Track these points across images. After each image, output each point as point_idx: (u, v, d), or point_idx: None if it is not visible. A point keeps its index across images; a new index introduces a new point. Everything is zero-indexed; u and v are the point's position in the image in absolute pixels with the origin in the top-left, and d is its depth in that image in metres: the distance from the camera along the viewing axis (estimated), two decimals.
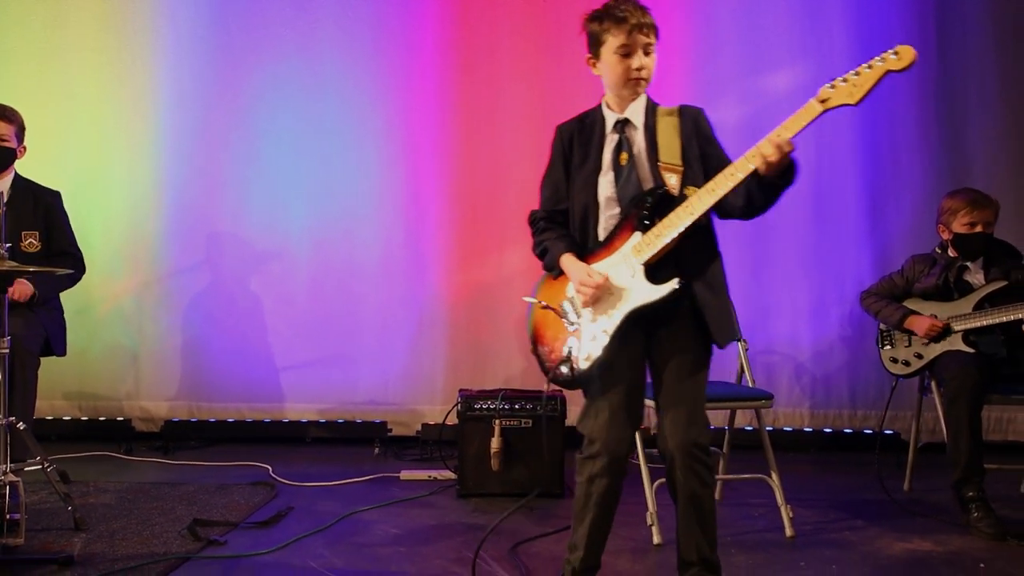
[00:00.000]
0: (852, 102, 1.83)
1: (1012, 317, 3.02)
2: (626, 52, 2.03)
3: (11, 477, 2.54)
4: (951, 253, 3.25)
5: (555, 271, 2.10)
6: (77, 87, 4.42)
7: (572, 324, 2.04)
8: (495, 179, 4.35)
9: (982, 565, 2.50)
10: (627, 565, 2.52)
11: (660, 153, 2.02)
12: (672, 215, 1.96)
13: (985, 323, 3.07)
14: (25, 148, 3.38)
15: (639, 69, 2.03)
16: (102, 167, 4.42)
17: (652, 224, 1.97)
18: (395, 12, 4.39)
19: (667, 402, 2.03)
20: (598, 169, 2.08)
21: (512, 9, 4.37)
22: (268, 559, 2.52)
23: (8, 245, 2.58)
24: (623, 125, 2.09)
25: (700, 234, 2.02)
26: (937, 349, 3.14)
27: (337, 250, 4.37)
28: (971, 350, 3.06)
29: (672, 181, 1.99)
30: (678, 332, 2.02)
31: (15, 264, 2.58)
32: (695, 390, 2.04)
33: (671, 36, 4.32)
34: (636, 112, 2.09)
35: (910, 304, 3.26)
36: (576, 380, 2.02)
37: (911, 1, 4.29)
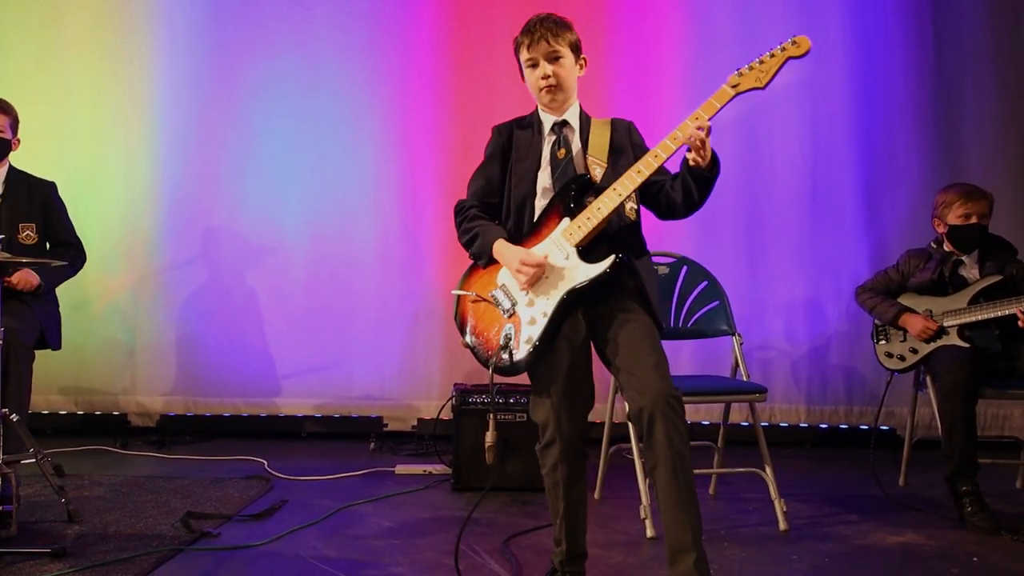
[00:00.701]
0: (760, 86, 1.99)
1: (1007, 312, 3.02)
2: (532, 63, 2.13)
3: (4, 469, 2.54)
4: (946, 247, 3.24)
5: (484, 259, 2.10)
6: (74, 84, 4.43)
7: (507, 311, 2.05)
8: None
9: (975, 559, 2.50)
10: (620, 558, 2.52)
11: (589, 149, 2.12)
12: (600, 198, 2.02)
13: (980, 318, 3.07)
14: (19, 141, 3.37)
15: (545, 77, 2.10)
16: (99, 163, 4.44)
17: (577, 209, 2.04)
18: (391, 10, 4.40)
19: (633, 364, 1.97)
20: (536, 165, 2.14)
21: (508, 7, 4.36)
22: (260, 551, 2.52)
23: (3, 237, 2.58)
24: (561, 126, 2.17)
25: (632, 229, 2.11)
26: (932, 344, 3.14)
27: (333, 246, 4.38)
28: (966, 345, 3.06)
29: (596, 172, 2.08)
30: (626, 304, 2.05)
31: (9, 255, 2.57)
32: (657, 350, 2.00)
33: (667, 33, 4.34)
34: (573, 116, 2.18)
35: (905, 299, 3.26)
36: (516, 365, 2.02)
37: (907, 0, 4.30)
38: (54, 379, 4.31)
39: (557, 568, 2.13)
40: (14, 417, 2.68)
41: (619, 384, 2.06)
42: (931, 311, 3.17)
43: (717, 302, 3.22)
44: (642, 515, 2.74)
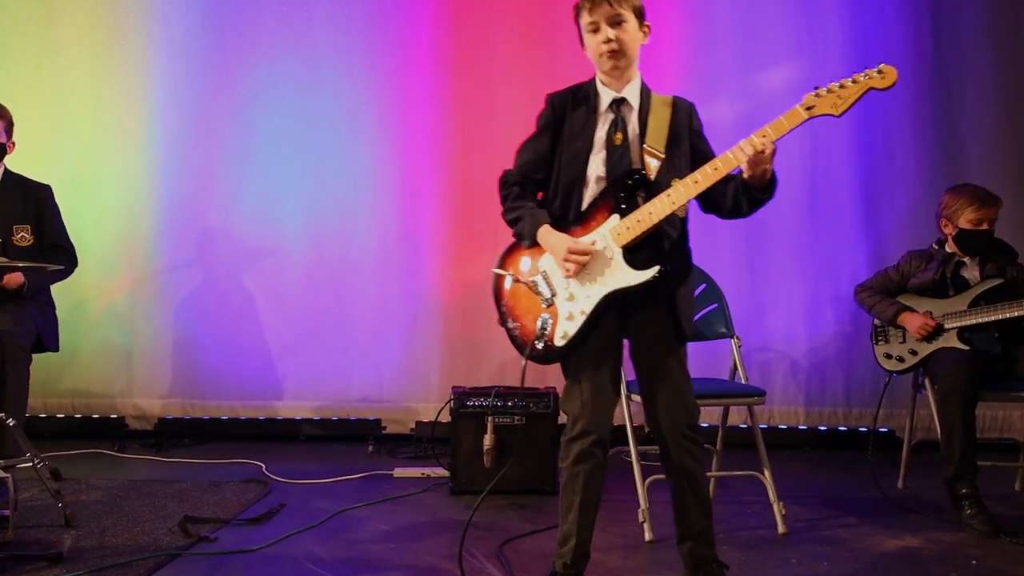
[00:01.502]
0: (836, 113, 1.90)
1: (1007, 315, 3.01)
2: (594, 28, 2.05)
3: (1, 474, 2.53)
4: (948, 248, 3.23)
5: (528, 241, 2.08)
6: (71, 84, 4.42)
7: (545, 300, 2.05)
8: (489, 177, 4.25)
9: (974, 562, 2.49)
10: (618, 561, 2.51)
11: (647, 137, 2.05)
12: (654, 202, 1.99)
13: (980, 320, 3.06)
14: (14, 144, 3.36)
15: (607, 42, 2.02)
16: (95, 164, 4.42)
17: (628, 207, 2.01)
18: (390, 11, 4.39)
19: (654, 385, 2.06)
20: (590, 146, 2.07)
21: (506, 8, 4.36)
22: (257, 555, 2.51)
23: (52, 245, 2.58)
24: (619, 104, 2.08)
25: (680, 232, 2.08)
26: (931, 346, 3.14)
27: (331, 248, 4.36)
28: (965, 347, 3.05)
29: (652, 166, 2.02)
30: (656, 318, 2.06)
31: (5, 260, 2.57)
32: (681, 370, 2.08)
33: (667, 33, 4.33)
34: (632, 93, 2.09)
35: (905, 300, 3.25)
36: (549, 356, 2.05)
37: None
38: (52, 381, 4.29)
39: (559, 571, 2.09)
40: (11, 422, 2.67)
41: (641, 395, 2.12)
42: (931, 312, 3.16)
43: (716, 305, 3.21)
44: (640, 518, 2.73)
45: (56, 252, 3.33)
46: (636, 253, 2.00)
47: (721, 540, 2.66)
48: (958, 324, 3.09)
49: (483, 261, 4.34)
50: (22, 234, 3.25)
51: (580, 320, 2.01)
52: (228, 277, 4.40)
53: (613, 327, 2.06)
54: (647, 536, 2.69)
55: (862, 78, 1.90)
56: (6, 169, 3.36)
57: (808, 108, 1.91)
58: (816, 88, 1.92)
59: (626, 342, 2.13)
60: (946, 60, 4.28)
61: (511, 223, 2.12)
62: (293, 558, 2.49)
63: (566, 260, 2.00)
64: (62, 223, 3.45)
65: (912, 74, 4.26)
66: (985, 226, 3.11)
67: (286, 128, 4.40)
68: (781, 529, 2.76)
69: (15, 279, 3.15)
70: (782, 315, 4.24)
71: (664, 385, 2.05)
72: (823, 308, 4.24)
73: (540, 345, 2.03)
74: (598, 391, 2.03)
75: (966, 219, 3.12)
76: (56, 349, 3.41)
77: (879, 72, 1.89)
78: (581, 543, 2.06)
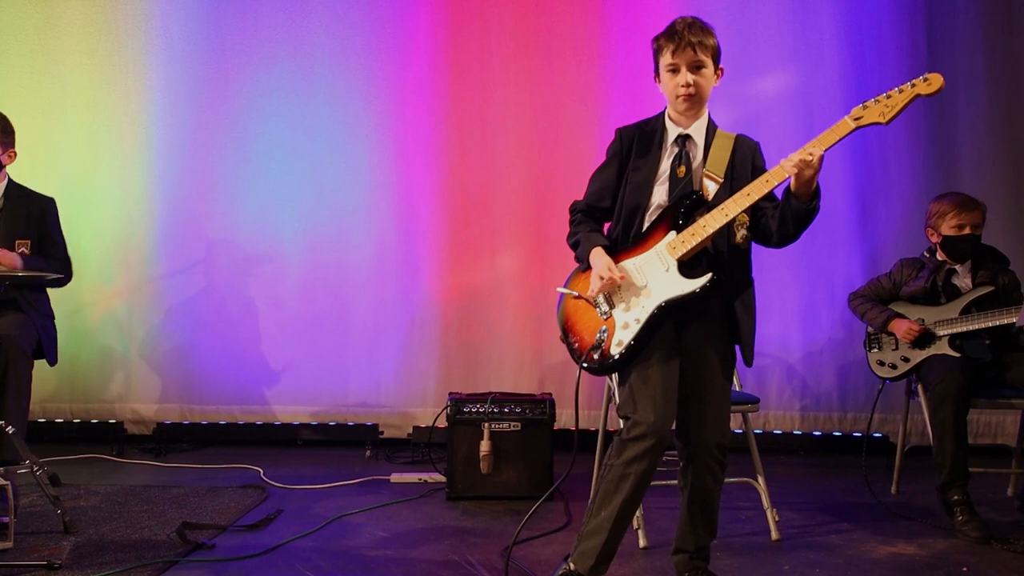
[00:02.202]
0: (883, 121, 2.00)
1: (998, 322, 3.04)
2: (674, 69, 2.14)
3: (0, 481, 2.55)
4: (939, 256, 3.26)
5: (584, 263, 2.18)
6: (69, 91, 4.43)
7: (604, 314, 2.13)
8: (486, 182, 4.37)
9: (965, 569, 2.52)
10: (614, 568, 2.50)
11: (708, 164, 2.13)
12: (707, 216, 2.07)
13: (971, 327, 3.09)
14: (15, 153, 3.37)
15: (685, 86, 2.11)
16: (93, 170, 4.44)
17: (686, 226, 2.08)
18: (387, 16, 4.41)
19: (697, 399, 2.13)
20: (654, 176, 2.16)
21: (503, 14, 4.38)
22: (255, 562, 2.53)
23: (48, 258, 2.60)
24: (684, 140, 2.17)
25: (740, 254, 2.14)
26: (923, 353, 3.16)
27: (328, 253, 4.39)
28: (957, 354, 3.08)
29: (710, 188, 2.11)
30: (712, 333, 2.14)
31: (5, 268, 2.59)
32: (724, 391, 2.16)
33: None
34: (699, 131, 2.18)
35: (898, 308, 3.28)
36: (604, 364, 2.10)
37: (901, 5, 4.32)
38: (50, 387, 4.31)
39: (583, 573, 2.07)
40: (10, 429, 2.69)
41: (684, 407, 2.14)
42: (923, 320, 3.19)
43: None
44: (635, 525, 2.75)
45: (53, 263, 3.30)
46: (692, 266, 2.08)
47: (715, 547, 2.68)
48: (949, 331, 3.12)
49: (480, 267, 4.43)
50: (23, 248, 3.24)
51: (635, 328, 2.06)
52: (226, 283, 4.42)
53: (673, 341, 2.11)
54: (641, 543, 2.71)
55: (908, 87, 1.98)
56: (10, 181, 3.37)
57: (856, 119, 2.00)
58: (863, 101, 2.01)
59: None
60: (940, 66, 4.30)
61: (572, 247, 2.24)
62: (291, 564, 2.51)
63: (596, 279, 2.09)
64: (62, 236, 3.44)
65: (906, 80, 4.27)
66: (968, 231, 3.15)
67: (283, 135, 4.42)
68: (774, 535, 2.79)
69: (11, 260, 3.11)
70: (777, 321, 4.26)
71: (708, 402, 2.12)
72: (818, 314, 4.27)
73: (596, 355, 2.09)
74: (660, 396, 2.05)
75: (948, 226, 3.16)
76: (54, 362, 3.41)
77: (924, 80, 1.97)
78: (611, 542, 2.06)
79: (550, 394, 3.53)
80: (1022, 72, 4.27)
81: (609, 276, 2.07)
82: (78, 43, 4.43)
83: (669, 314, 2.06)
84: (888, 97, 1.98)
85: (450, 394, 3.53)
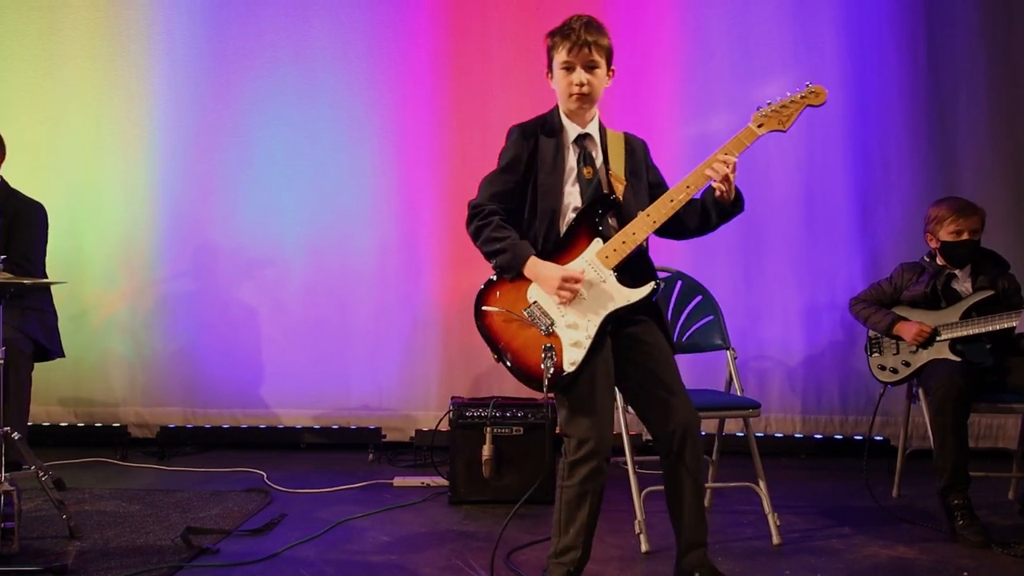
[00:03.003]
0: (782, 129, 2.17)
1: (998, 326, 3.05)
2: (568, 67, 2.16)
3: (6, 487, 2.56)
4: (939, 261, 3.27)
5: (512, 273, 2.12)
6: (72, 95, 4.45)
7: (545, 330, 2.08)
8: None
9: (965, 573, 2.53)
10: (615, 573, 2.55)
11: (610, 166, 2.19)
12: (634, 223, 2.11)
13: (972, 332, 3.10)
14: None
15: (579, 85, 2.13)
16: (97, 174, 4.46)
17: (604, 230, 2.11)
18: (388, 20, 4.42)
19: (667, 389, 2.14)
20: (562, 179, 2.17)
21: (503, 17, 4.40)
22: (259, 567, 2.55)
23: (4, 257, 2.61)
24: (583, 139, 2.21)
25: (646, 251, 2.22)
26: (924, 357, 3.18)
27: (330, 256, 4.40)
28: (957, 359, 3.09)
29: (619, 190, 2.16)
30: (651, 329, 2.19)
31: (9, 276, 2.60)
32: (678, 374, 2.19)
33: (664, 44, 4.37)
34: (594, 129, 2.23)
35: (898, 312, 3.29)
36: (557, 384, 2.07)
37: (902, 9, 4.32)
38: (54, 390, 4.33)
39: None
40: (15, 435, 2.70)
41: (640, 403, 2.20)
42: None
43: (711, 317, 3.25)
44: (636, 530, 2.76)
45: (13, 267, 3.10)
46: (622, 273, 2.10)
47: (716, 551, 2.71)
48: (950, 336, 3.13)
49: (482, 270, 4.37)
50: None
51: (587, 345, 2.06)
52: (229, 287, 4.43)
53: (609, 351, 2.13)
54: (643, 547, 2.72)
55: (798, 98, 2.17)
56: (3, 181, 3.36)
57: (759, 125, 2.16)
58: (759, 107, 2.16)
59: None
60: (941, 70, 4.32)
61: (491, 254, 2.14)
62: (295, 570, 2.52)
63: (560, 289, 2.05)
64: (32, 240, 3.33)
65: (907, 84, 4.30)
66: (966, 236, 3.15)
67: (285, 138, 4.43)
68: (776, 540, 2.80)
69: None
70: (778, 324, 4.28)
71: (674, 392, 2.15)
72: (819, 317, 4.28)
73: (550, 375, 2.05)
74: (601, 412, 2.08)
75: (946, 231, 3.17)
76: (61, 354, 3.43)
77: (811, 92, 2.17)
78: (585, 552, 2.14)
79: (552, 398, 3.53)
80: (1022, 75, 4.28)
81: (575, 281, 2.05)
82: (81, 48, 4.45)
83: (610, 324, 2.08)
84: (783, 107, 2.15)
85: (452, 398, 3.55)
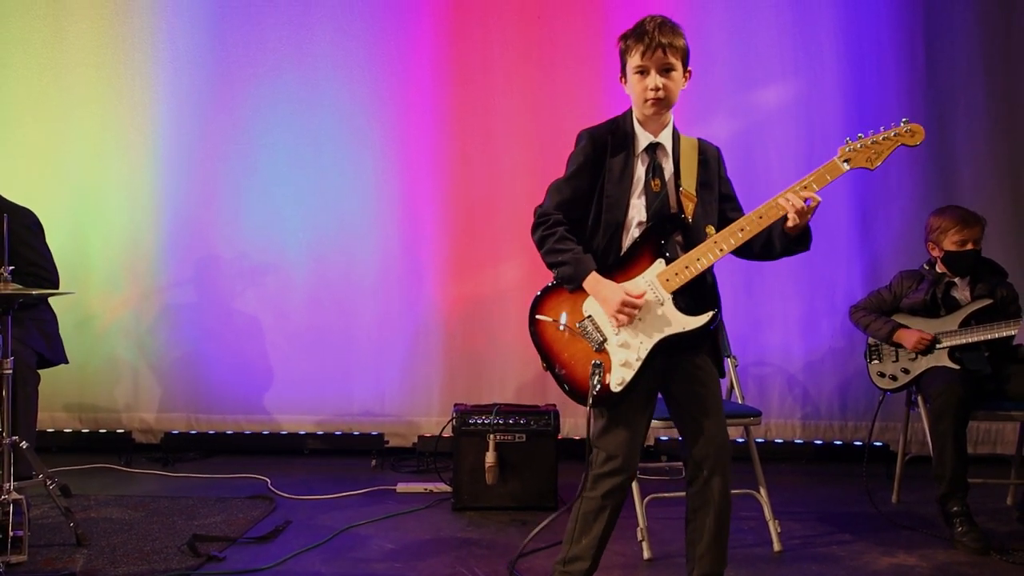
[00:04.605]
0: (871, 167, 2.05)
1: (997, 335, 3.08)
2: (642, 71, 2.08)
3: (15, 495, 2.59)
4: (939, 269, 3.30)
5: (573, 286, 2.08)
6: (76, 102, 4.47)
7: (596, 346, 2.06)
8: (490, 192, 4.40)
9: None
10: None
11: (681, 181, 2.10)
12: (700, 248, 2.04)
13: (971, 340, 3.13)
14: None
15: (654, 90, 2.06)
16: (101, 181, 4.48)
17: (670, 252, 2.05)
18: (390, 28, 4.45)
19: (705, 414, 2.11)
20: (629, 190, 2.10)
21: (505, 24, 4.42)
22: (265, 575, 2.57)
23: (12, 268, 2.63)
24: (654, 149, 2.13)
25: (712, 271, 2.14)
26: (923, 364, 3.20)
27: (333, 263, 4.42)
28: (956, 367, 3.12)
29: (688, 207, 2.08)
30: (700, 357, 2.13)
31: (18, 287, 2.63)
32: (721, 403, 2.16)
33: None
34: (667, 138, 2.14)
35: (897, 320, 3.32)
36: (604, 401, 2.05)
37: (901, 18, 4.35)
38: (58, 396, 4.34)
39: None
40: (24, 444, 2.73)
41: (679, 424, 2.17)
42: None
43: None
44: (639, 537, 2.79)
45: (24, 277, 3.09)
46: (680, 297, 2.04)
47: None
48: (949, 343, 3.16)
49: (484, 277, 4.47)
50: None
51: (637, 367, 2.02)
52: (232, 293, 4.46)
53: (656, 374, 2.09)
54: (646, 554, 2.75)
55: (892, 135, 2.04)
56: None
57: (846, 160, 2.04)
58: (848, 139, 2.05)
59: None
60: (939, 78, 4.34)
61: (554, 265, 2.11)
62: None
63: (619, 312, 2.01)
64: (36, 247, 3.32)
65: (906, 92, 4.33)
66: (970, 246, 3.18)
67: (288, 145, 4.46)
68: (776, 547, 2.83)
69: None
70: (779, 330, 4.30)
71: (712, 418, 2.11)
72: (819, 323, 4.31)
73: (595, 392, 2.02)
74: (638, 432, 2.09)
75: (950, 241, 3.19)
76: (65, 360, 3.45)
77: (909, 131, 2.04)
78: (594, 564, 2.15)
79: (554, 405, 3.56)
80: (1020, 83, 4.31)
81: (635, 306, 2.00)
82: (85, 55, 4.47)
83: (663, 348, 2.04)
84: (874, 143, 2.03)
85: (455, 405, 3.57)
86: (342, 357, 4.39)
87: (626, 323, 2.03)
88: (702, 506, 2.11)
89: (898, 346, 3.28)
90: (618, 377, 2.03)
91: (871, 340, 3.40)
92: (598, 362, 2.04)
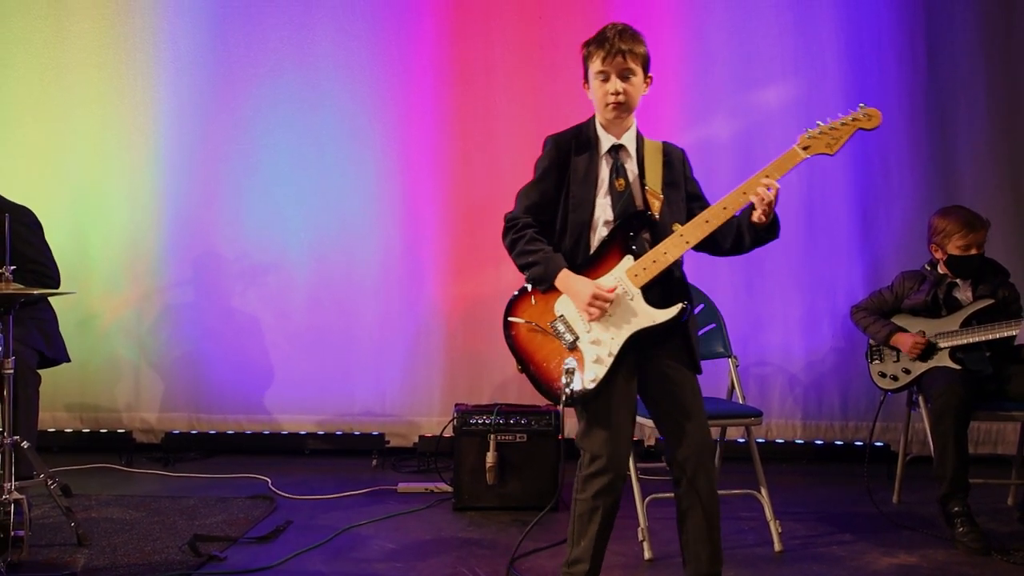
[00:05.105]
0: (830, 153, 2.08)
1: (998, 335, 3.08)
2: (604, 77, 2.14)
3: (15, 495, 2.59)
4: (941, 270, 3.30)
5: (545, 285, 2.12)
6: (78, 102, 4.47)
7: (569, 344, 2.08)
8: (490, 193, 4.39)
9: None
10: None
11: (646, 180, 2.15)
12: (667, 242, 2.08)
13: (972, 340, 3.13)
14: None
15: (615, 94, 2.11)
16: (102, 181, 4.48)
17: (637, 248, 2.08)
18: (391, 28, 4.45)
19: (683, 413, 2.13)
20: (595, 191, 2.15)
21: (506, 25, 4.42)
22: (266, 575, 2.57)
23: (14, 268, 2.63)
24: (617, 150, 2.18)
25: (681, 269, 2.19)
26: (924, 365, 3.20)
27: (334, 263, 4.43)
28: (957, 367, 3.12)
29: (654, 205, 2.12)
30: (676, 351, 2.15)
31: (20, 287, 2.63)
32: (700, 400, 2.18)
33: (666, 52, 4.39)
34: (630, 140, 2.20)
35: (899, 320, 3.32)
36: (578, 399, 2.07)
37: (901, 17, 4.35)
38: (59, 396, 4.34)
39: None
40: (25, 444, 2.73)
41: (658, 425, 2.20)
42: (924, 333, 3.22)
43: (713, 325, 3.28)
44: (640, 537, 2.79)
45: (25, 275, 3.08)
46: (650, 291, 2.08)
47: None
48: (950, 344, 3.16)
49: (485, 277, 4.47)
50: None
51: (609, 362, 2.05)
52: (233, 293, 4.46)
53: (632, 369, 2.12)
54: (647, 554, 2.75)
55: (850, 120, 2.07)
56: None
57: (805, 148, 2.07)
58: (808, 129, 2.08)
59: None
60: (941, 78, 4.34)
61: (525, 267, 2.15)
62: None
63: (590, 305, 2.04)
64: (36, 245, 3.30)
65: (907, 92, 4.33)
66: (974, 251, 3.17)
67: (289, 145, 4.46)
68: (777, 547, 2.83)
69: None
70: (780, 330, 4.30)
71: (691, 417, 2.13)
72: (820, 323, 4.30)
73: (568, 390, 2.04)
74: (620, 430, 2.10)
75: (954, 245, 3.18)
76: (67, 358, 3.45)
77: (865, 115, 2.07)
78: (595, 564, 2.15)
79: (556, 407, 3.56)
80: (1020, 82, 4.30)
81: (606, 300, 2.03)
82: (86, 55, 4.47)
83: (634, 343, 2.07)
84: (832, 129, 2.06)
85: (456, 405, 3.58)
86: (343, 357, 4.39)
87: (597, 317, 2.05)
88: (691, 506, 2.14)
89: (895, 349, 3.28)
90: (591, 374, 2.06)
91: (872, 341, 3.39)
92: (571, 360, 2.06)
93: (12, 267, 2.62)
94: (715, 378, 3.86)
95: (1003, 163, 4.28)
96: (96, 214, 4.46)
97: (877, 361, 3.36)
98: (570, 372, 2.04)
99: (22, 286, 2.66)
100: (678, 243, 2.06)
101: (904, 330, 3.25)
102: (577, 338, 2.08)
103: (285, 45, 4.47)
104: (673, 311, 2.05)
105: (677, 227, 2.09)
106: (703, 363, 3.36)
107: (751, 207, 2.06)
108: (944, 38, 4.33)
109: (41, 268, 3.26)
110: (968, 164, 4.28)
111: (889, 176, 4.33)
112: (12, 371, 2.69)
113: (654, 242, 2.10)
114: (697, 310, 3.29)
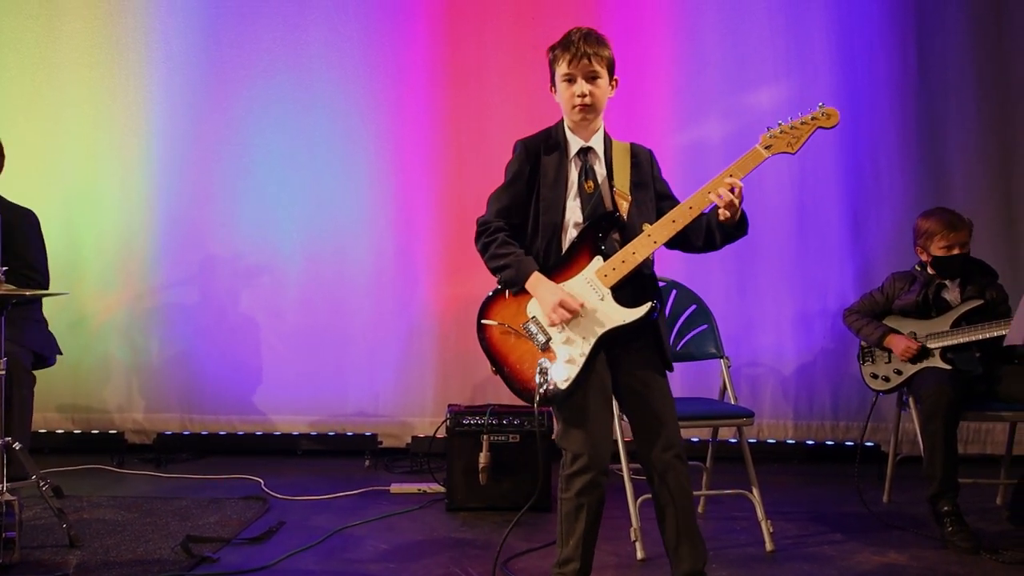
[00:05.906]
0: (791, 151, 2.12)
1: (987, 335, 3.10)
2: (569, 79, 2.17)
3: (7, 496, 2.59)
4: (930, 270, 3.32)
5: (516, 288, 2.15)
6: (70, 102, 4.47)
7: (542, 345, 2.11)
8: (483, 194, 4.28)
9: None
10: None
11: (615, 181, 2.18)
12: (635, 243, 2.11)
13: (961, 341, 3.15)
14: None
15: (581, 96, 2.14)
16: (94, 181, 4.47)
17: (607, 249, 2.12)
18: (384, 29, 4.45)
19: (651, 413, 2.16)
20: (564, 193, 2.19)
21: (500, 26, 4.43)
22: None
23: (5, 268, 2.62)
24: (586, 153, 2.21)
25: (651, 268, 2.21)
26: (915, 366, 3.22)
27: (327, 264, 4.43)
28: (947, 367, 3.14)
29: (623, 206, 2.16)
30: (644, 351, 2.18)
31: (12, 288, 2.62)
32: (669, 401, 2.20)
33: (658, 54, 4.41)
34: (598, 142, 2.23)
35: (890, 321, 3.34)
36: (552, 399, 2.10)
37: (892, 19, 4.37)
38: (51, 396, 4.33)
39: None
40: (17, 445, 2.73)
41: (631, 425, 2.21)
42: (915, 333, 3.25)
43: (705, 326, 3.29)
44: (632, 537, 2.80)
45: (17, 277, 3.11)
46: (620, 291, 2.11)
47: (710, 558, 2.73)
48: (940, 344, 3.18)
49: (478, 278, 4.42)
50: None
51: (581, 362, 2.07)
52: (226, 293, 4.45)
53: (603, 363, 2.15)
54: (639, 555, 2.76)
55: (809, 119, 2.11)
56: None
57: (767, 147, 2.12)
58: (769, 128, 2.12)
59: None
60: (931, 81, 4.37)
61: (497, 270, 2.18)
62: None
63: (554, 312, 2.07)
64: (33, 249, 3.32)
65: (898, 94, 4.35)
66: (957, 251, 3.20)
67: (282, 146, 4.46)
68: (769, 547, 2.84)
69: None
70: (771, 331, 4.32)
71: (658, 416, 2.15)
72: (811, 324, 4.33)
73: (542, 390, 2.06)
74: (598, 427, 2.11)
75: (937, 247, 3.22)
76: (59, 352, 3.43)
77: (824, 114, 2.10)
78: (585, 563, 2.16)
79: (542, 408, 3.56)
80: (1011, 86, 4.33)
81: (572, 310, 2.05)
82: (78, 55, 4.47)
83: (606, 342, 2.09)
84: (793, 128, 2.10)
85: (449, 406, 3.58)
86: (336, 357, 4.39)
87: (558, 324, 2.08)
88: (666, 505, 2.17)
89: (888, 350, 3.30)
90: (564, 374, 2.08)
91: (864, 343, 3.42)
92: (544, 361, 2.08)
93: (4, 268, 2.62)
94: (707, 378, 3.90)
95: (993, 164, 4.31)
96: (88, 214, 4.45)
97: (869, 363, 3.38)
98: (543, 372, 2.07)
99: (14, 287, 2.65)
100: (646, 243, 2.10)
101: (897, 332, 3.27)
102: (549, 339, 2.11)
103: (278, 45, 4.47)
104: (643, 310, 2.08)
105: (646, 227, 2.12)
106: (694, 364, 3.44)
107: (717, 210, 2.10)
108: (935, 41, 4.35)
109: (32, 273, 3.26)
110: (958, 166, 4.31)
111: (880, 178, 4.35)
112: (4, 372, 2.67)
113: (624, 242, 2.14)
114: (689, 311, 3.32)
